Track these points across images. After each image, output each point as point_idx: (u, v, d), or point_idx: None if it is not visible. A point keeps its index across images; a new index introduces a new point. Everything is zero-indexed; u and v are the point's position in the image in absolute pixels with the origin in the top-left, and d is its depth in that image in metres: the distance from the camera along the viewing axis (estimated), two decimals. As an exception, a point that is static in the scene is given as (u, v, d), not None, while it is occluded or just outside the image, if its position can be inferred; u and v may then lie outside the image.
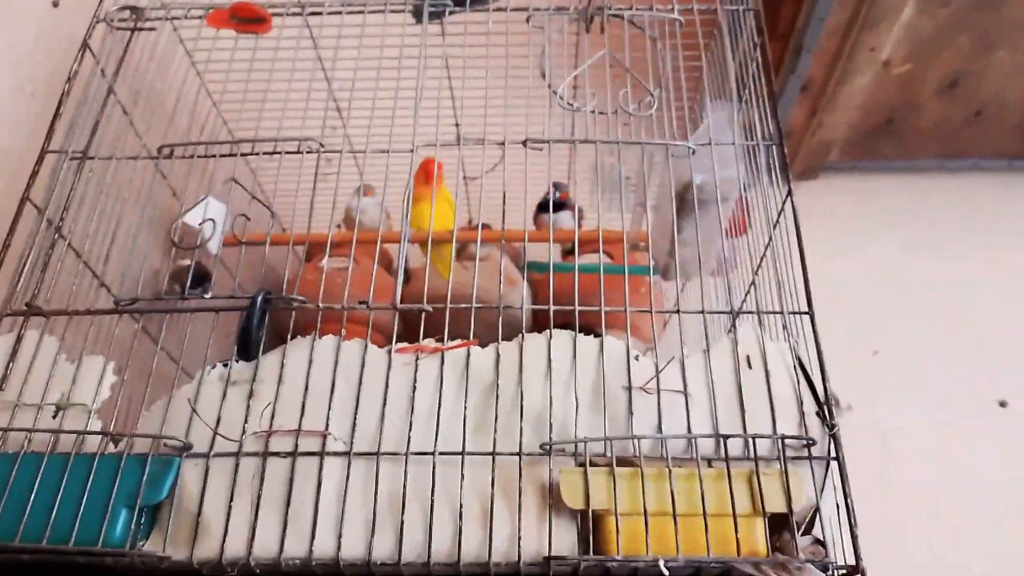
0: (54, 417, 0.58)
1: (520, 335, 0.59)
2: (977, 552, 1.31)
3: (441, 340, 0.59)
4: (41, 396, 0.59)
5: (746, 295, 0.80)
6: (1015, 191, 1.74)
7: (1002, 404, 1.48)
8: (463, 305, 0.60)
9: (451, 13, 0.75)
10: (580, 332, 0.60)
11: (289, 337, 0.61)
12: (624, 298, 0.61)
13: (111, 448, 0.57)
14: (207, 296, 0.60)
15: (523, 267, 1.24)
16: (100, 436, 0.56)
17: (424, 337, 0.60)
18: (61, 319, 0.63)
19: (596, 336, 0.61)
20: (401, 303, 0.61)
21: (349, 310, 0.60)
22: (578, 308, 0.62)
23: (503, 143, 0.68)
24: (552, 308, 0.62)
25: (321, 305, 0.60)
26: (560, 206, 1.17)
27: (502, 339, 0.60)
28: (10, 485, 0.54)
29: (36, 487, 0.54)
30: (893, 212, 1.72)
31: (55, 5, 0.85)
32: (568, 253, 1.30)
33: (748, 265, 0.80)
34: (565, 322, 0.62)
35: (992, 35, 1.36)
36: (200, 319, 0.65)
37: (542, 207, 1.21)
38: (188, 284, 0.74)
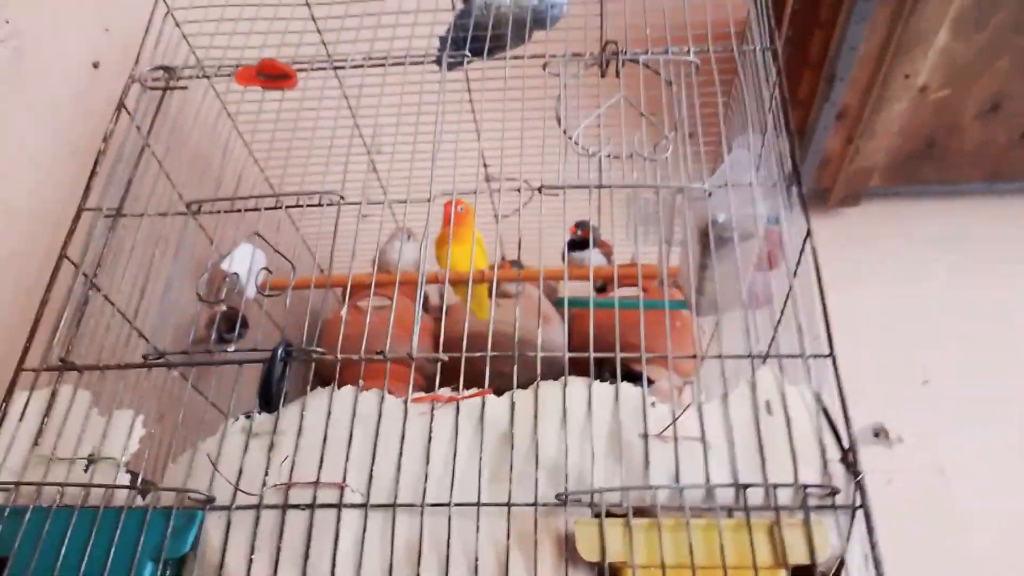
0: (85, 471, 0.60)
1: (535, 384, 0.59)
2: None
3: (456, 389, 0.60)
4: (73, 450, 0.61)
5: (772, 338, 0.78)
6: (1066, 212, 1.68)
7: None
8: (478, 354, 0.61)
9: (469, 63, 0.76)
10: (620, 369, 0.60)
11: (309, 388, 0.62)
12: (665, 333, 0.60)
13: (139, 501, 0.58)
14: (231, 350, 0.61)
15: (557, 303, 1.24)
16: (127, 490, 0.58)
17: (464, 380, 0.60)
18: (95, 373, 0.65)
19: (636, 373, 0.60)
20: (439, 341, 0.61)
21: (367, 361, 0.61)
22: (619, 355, 0.61)
23: (519, 190, 0.68)
24: (567, 356, 0.61)
25: (340, 356, 0.61)
26: (584, 244, 1.17)
27: (521, 385, 0.60)
28: (43, 538, 0.56)
29: (67, 540, 0.55)
30: (938, 237, 1.67)
31: (95, 67, 0.90)
32: (599, 290, 1.30)
33: (777, 303, 0.78)
34: (602, 359, 0.61)
35: (1033, 56, 1.33)
36: (235, 369, 0.67)
37: (571, 247, 1.22)
38: (224, 331, 0.76)
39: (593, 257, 1.17)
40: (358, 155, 0.76)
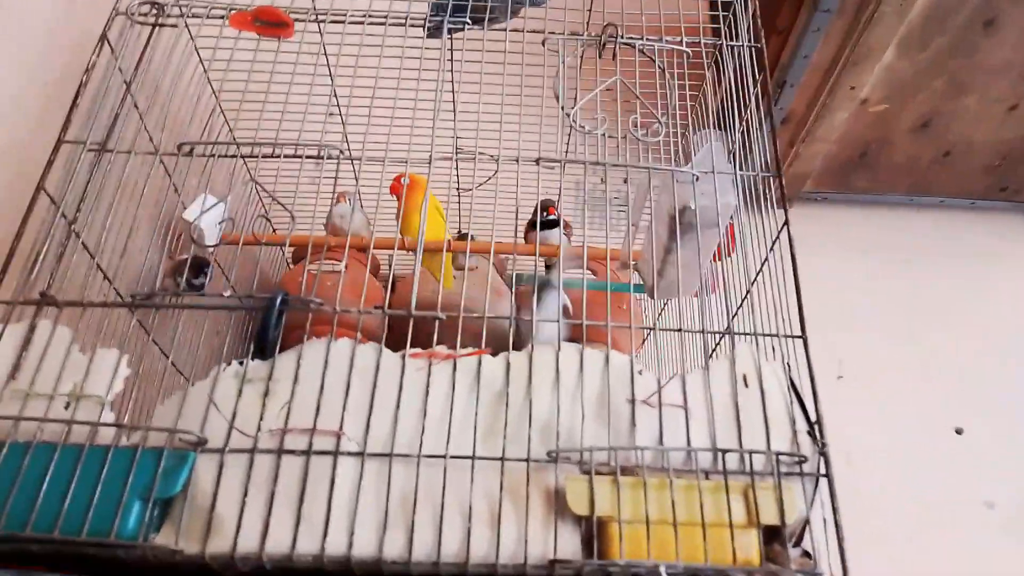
0: (66, 408, 0.59)
1: (528, 346, 0.62)
2: (937, 565, 1.37)
3: (453, 347, 0.61)
4: (53, 387, 0.59)
5: (732, 317, 0.83)
6: (977, 229, 1.82)
7: (958, 431, 1.55)
8: (475, 315, 0.63)
9: (468, 30, 0.77)
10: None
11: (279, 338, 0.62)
12: (606, 313, 0.63)
13: (124, 441, 0.57)
14: (226, 295, 0.61)
15: (510, 280, 1.27)
16: (114, 428, 0.57)
17: (411, 344, 0.62)
18: (73, 311, 0.64)
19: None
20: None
21: (365, 314, 0.62)
22: (561, 322, 0.64)
23: (517, 160, 0.70)
24: (535, 320, 0.64)
25: (339, 308, 0.62)
26: (550, 224, 1.20)
27: (490, 350, 0.63)
28: (22, 474, 0.54)
29: (48, 477, 0.54)
30: (860, 242, 1.79)
31: (69, -3, 0.86)
32: (551, 268, 1.33)
33: (735, 288, 0.83)
34: (549, 335, 0.64)
35: (964, 80, 1.43)
36: (199, 318, 0.66)
37: (532, 224, 1.24)
38: (192, 276, 0.74)
39: (554, 237, 1.20)
40: (337, 117, 0.75)
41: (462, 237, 1.29)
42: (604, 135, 0.71)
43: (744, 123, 0.82)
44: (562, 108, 0.71)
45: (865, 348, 1.64)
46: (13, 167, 0.80)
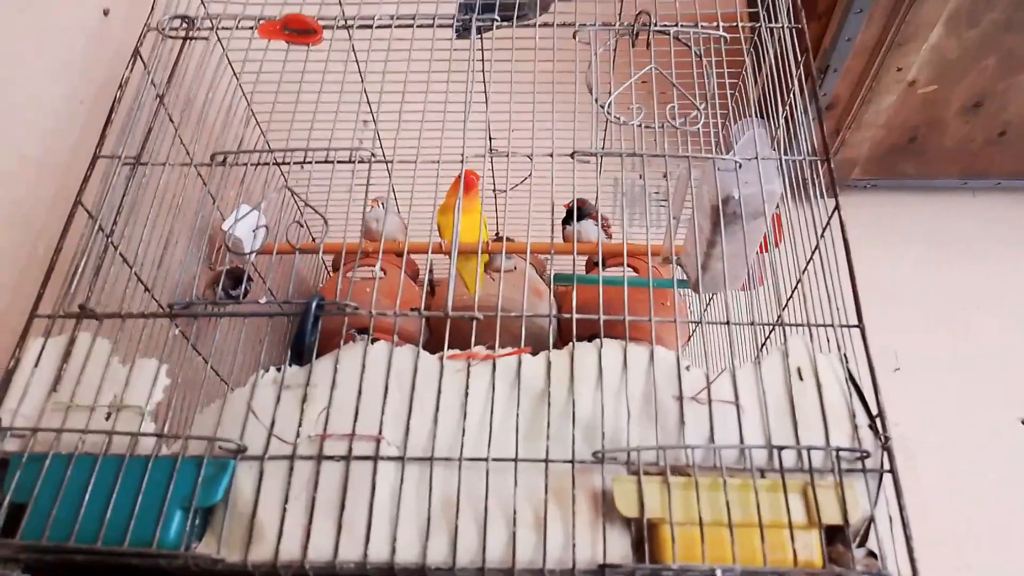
0: (107, 419, 0.59)
1: (569, 344, 0.60)
2: (1007, 563, 1.31)
3: (492, 348, 0.60)
4: (94, 398, 0.59)
5: (783, 308, 0.80)
6: (1037, 211, 1.74)
7: (1023, 422, 1.48)
8: (514, 314, 0.61)
9: (498, 27, 0.76)
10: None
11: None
12: (649, 310, 0.61)
13: (165, 450, 0.57)
14: (262, 302, 0.60)
15: (550, 279, 1.25)
16: (154, 438, 0.57)
17: (451, 347, 0.61)
18: (112, 323, 0.64)
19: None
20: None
21: (401, 317, 0.61)
22: (602, 318, 0.62)
23: (551, 155, 0.69)
24: (575, 317, 0.62)
25: (374, 312, 0.61)
26: (582, 214, 1.18)
27: (529, 349, 0.61)
28: (64, 486, 0.54)
29: (90, 488, 0.54)
30: (913, 230, 1.72)
31: (105, 14, 0.87)
32: (594, 265, 1.31)
33: (785, 279, 0.80)
34: (591, 333, 0.62)
35: (1019, 56, 1.37)
36: (245, 327, 0.66)
37: (566, 220, 1.22)
38: (230, 286, 0.74)
39: (594, 232, 1.17)
40: (370, 120, 0.75)
41: (499, 239, 1.28)
42: (640, 126, 0.69)
43: (787, 108, 0.79)
44: (596, 100, 0.69)
45: (923, 339, 1.58)
46: (55, 182, 0.81)
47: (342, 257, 0.69)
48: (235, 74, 0.90)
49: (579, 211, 1.19)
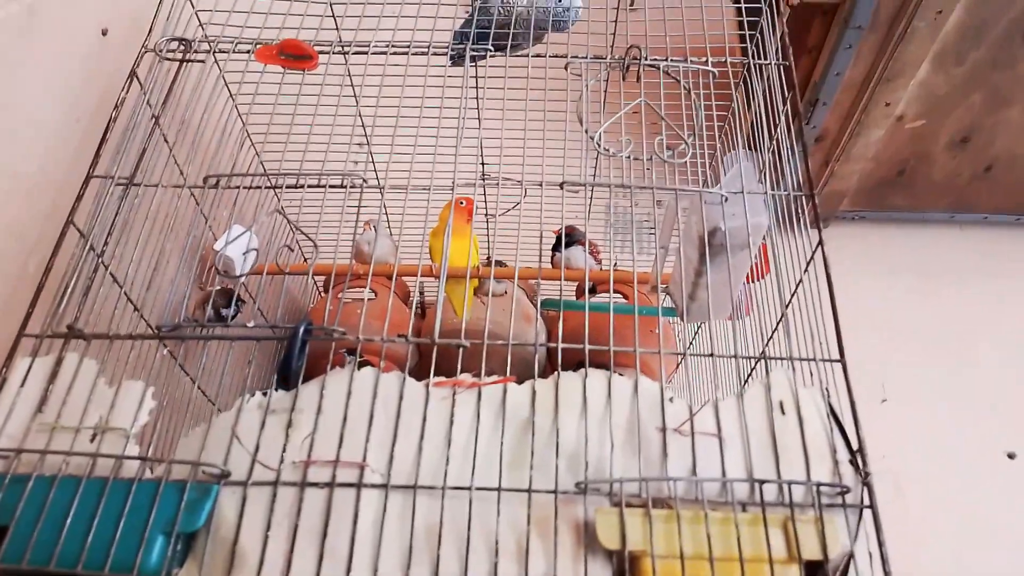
0: (92, 441, 0.59)
1: (554, 373, 0.60)
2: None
3: (478, 375, 0.60)
4: (79, 419, 0.59)
5: (767, 341, 0.81)
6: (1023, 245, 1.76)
7: (1010, 456, 1.49)
8: (500, 342, 0.61)
9: (491, 56, 0.77)
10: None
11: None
12: (635, 338, 0.62)
13: (148, 474, 0.57)
14: (249, 325, 0.61)
15: (544, 305, 1.26)
16: (138, 461, 0.57)
17: (435, 372, 0.61)
18: (100, 344, 0.64)
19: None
20: (416, 336, 0.62)
21: (388, 343, 0.61)
22: (588, 347, 0.62)
23: (540, 184, 0.69)
24: (561, 346, 0.63)
25: (361, 337, 0.61)
26: (571, 241, 1.19)
27: (516, 377, 0.61)
28: (47, 508, 0.54)
29: (73, 511, 0.54)
30: (901, 261, 1.74)
31: (104, 34, 0.88)
32: (582, 292, 1.32)
33: (767, 312, 0.81)
34: (579, 360, 0.63)
35: (1004, 93, 1.39)
36: (234, 350, 0.66)
37: (556, 247, 1.23)
38: (222, 305, 0.74)
39: (582, 258, 1.18)
40: (358, 144, 0.75)
41: (490, 264, 1.29)
42: (630, 158, 0.70)
43: (775, 142, 0.80)
44: (586, 131, 0.70)
45: (910, 371, 1.59)
46: (49, 201, 0.81)
47: (330, 279, 0.69)
48: (231, 96, 0.91)
49: (568, 238, 1.20)
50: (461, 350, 0.60)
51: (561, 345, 0.62)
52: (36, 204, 0.79)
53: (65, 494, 0.55)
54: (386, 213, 1.18)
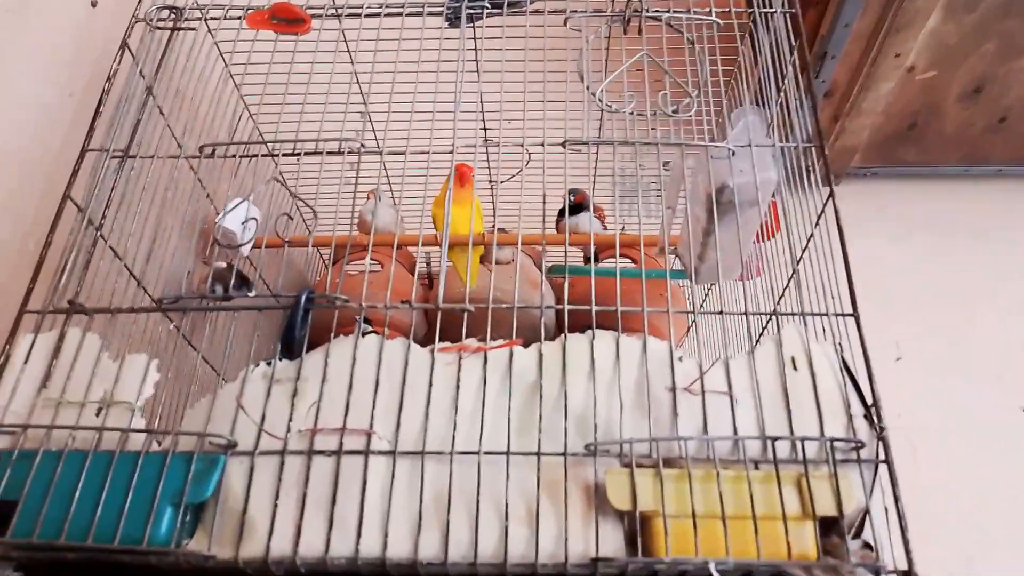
0: (97, 415, 0.58)
1: (561, 335, 0.59)
2: (1013, 553, 1.30)
3: (483, 340, 0.59)
4: (84, 394, 0.59)
5: (780, 298, 0.80)
6: (1039, 198, 1.73)
7: (1025, 411, 1.48)
8: (504, 305, 0.60)
9: (489, 16, 0.75)
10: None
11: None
12: (642, 301, 0.60)
13: (155, 446, 0.57)
14: (251, 295, 0.60)
15: (552, 271, 1.24)
16: (144, 434, 0.56)
17: (447, 339, 0.60)
18: (102, 318, 0.63)
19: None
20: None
21: (392, 309, 0.60)
22: (595, 308, 0.61)
23: (542, 144, 0.68)
24: (567, 308, 0.62)
25: (364, 304, 0.60)
26: (578, 208, 1.17)
27: (524, 342, 0.60)
28: (55, 483, 0.54)
29: (80, 485, 0.54)
30: (914, 217, 1.71)
31: (93, 6, 0.86)
32: (587, 260, 1.30)
33: (780, 269, 0.80)
34: (586, 324, 0.62)
35: (1018, 40, 1.36)
36: (238, 321, 0.66)
37: (562, 212, 1.22)
38: (231, 286, 0.74)
39: (585, 222, 1.17)
40: (363, 111, 0.74)
41: (496, 230, 1.27)
42: (632, 114, 0.68)
43: (783, 94, 0.78)
44: (587, 88, 0.69)
45: (924, 328, 1.57)
46: (44, 177, 0.80)
47: (332, 250, 0.68)
48: (226, 65, 0.89)
49: (578, 205, 1.18)
50: (466, 317, 0.59)
51: (568, 307, 0.61)
52: (32, 181, 0.78)
53: (72, 468, 0.55)
54: (388, 179, 1.16)
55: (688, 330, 1.28)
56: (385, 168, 0.72)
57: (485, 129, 0.91)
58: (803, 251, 0.71)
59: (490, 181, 1.20)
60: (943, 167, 1.67)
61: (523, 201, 0.68)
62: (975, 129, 1.55)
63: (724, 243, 0.80)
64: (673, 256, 1.10)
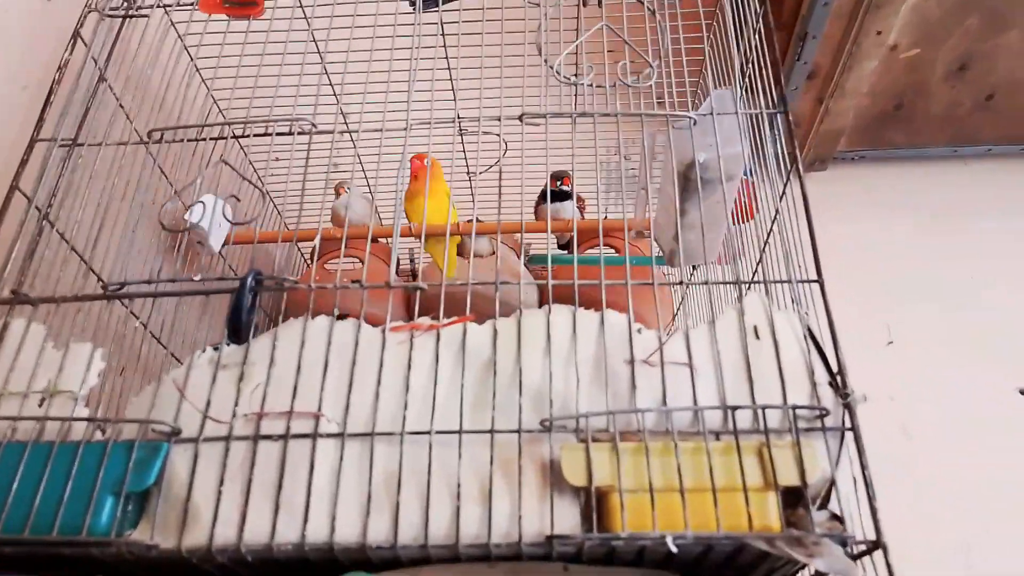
0: (40, 405, 0.57)
1: (517, 312, 0.57)
2: (1011, 539, 1.27)
3: (436, 318, 0.57)
4: (27, 384, 0.57)
5: (755, 271, 0.78)
6: (1030, 176, 1.70)
7: (1022, 392, 1.45)
8: (459, 283, 0.59)
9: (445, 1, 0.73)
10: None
11: (281, 319, 0.59)
12: (626, 287, 0.58)
13: (99, 436, 0.55)
14: (197, 279, 0.58)
15: (526, 261, 1.22)
16: (86, 423, 0.54)
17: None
18: (48, 307, 0.62)
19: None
20: (411, 302, 0.59)
21: (342, 290, 0.59)
22: (577, 283, 0.59)
23: (499, 119, 0.66)
24: (551, 283, 0.60)
25: (313, 285, 0.58)
26: (563, 195, 1.15)
27: (473, 316, 0.58)
28: (-6, 475, 0.52)
29: (19, 477, 0.52)
30: (904, 201, 1.69)
31: (47, -1, 0.85)
32: (565, 246, 1.28)
33: (757, 245, 0.78)
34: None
35: (1003, 14, 1.33)
36: (191, 304, 0.64)
37: (543, 196, 1.19)
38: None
39: (567, 210, 1.15)
40: (324, 89, 0.72)
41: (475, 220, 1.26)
42: (591, 85, 0.66)
43: (750, 64, 0.76)
44: (545, 61, 0.67)
45: (916, 312, 1.55)
46: (-1, 171, 0.79)
47: (315, 245, 0.67)
48: (186, 48, 0.88)
49: (561, 193, 1.16)
50: (417, 295, 0.58)
51: (551, 283, 0.58)
52: (-14, 174, 0.77)
53: (11, 460, 0.53)
54: (361, 163, 1.13)
55: (674, 317, 1.26)
56: (341, 149, 0.70)
57: (459, 118, 0.90)
58: (772, 222, 0.69)
59: (467, 168, 1.18)
60: (932, 148, 1.65)
61: (502, 185, 0.67)
62: (963, 108, 1.53)
63: (697, 222, 0.78)
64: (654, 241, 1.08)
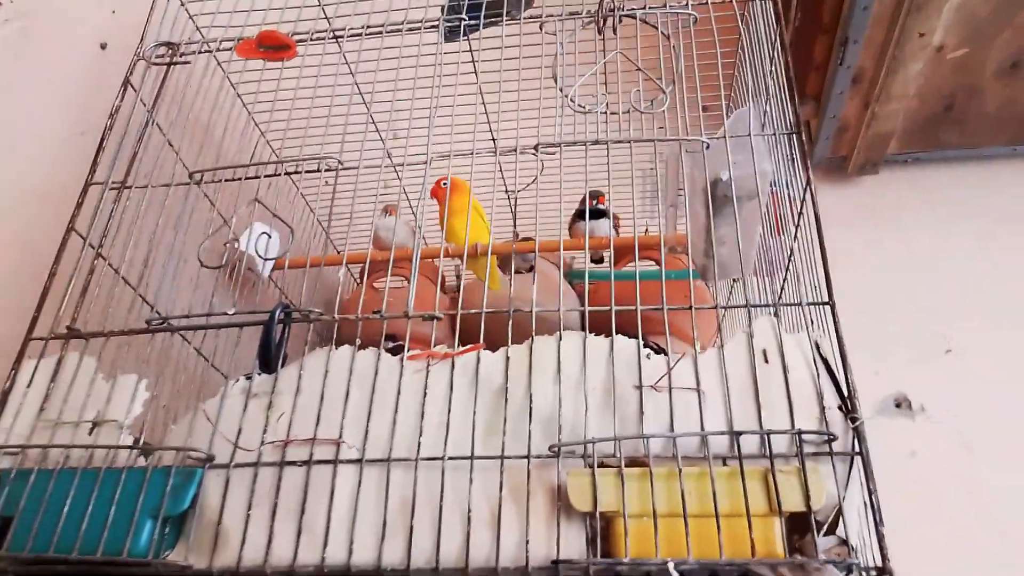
0: (90, 434, 0.61)
1: (530, 339, 0.59)
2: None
3: (452, 347, 0.60)
4: (78, 415, 0.62)
5: (780, 291, 0.77)
6: (1095, 174, 1.62)
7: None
8: (473, 311, 0.61)
9: (472, 29, 0.76)
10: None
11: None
12: (663, 302, 0.59)
13: (142, 461, 0.59)
14: (230, 313, 0.62)
15: (572, 276, 1.24)
16: (129, 450, 0.59)
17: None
18: (107, 341, 0.66)
19: (646, 345, 0.59)
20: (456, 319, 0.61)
21: (364, 320, 0.61)
22: (614, 309, 0.60)
23: (516, 150, 0.68)
24: (588, 310, 0.61)
25: (337, 317, 0.61)
26: (599, 213, 1.16)
27: (483, 345, 0.60)
28: (46, 499, 0.57)
29: (69, 501, 0.56)
30: (961, 204, 1.63)
31: (103, 48, 0.91)
32: (597, 261, 1.29)
33: (781, 263, 0.78)
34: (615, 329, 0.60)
35: (1054, 10, 1.28)
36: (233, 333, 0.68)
37: (580, 215, 1.20)
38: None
39: (603, 227, 1.16)
40: (357, 123, 0.76)
41: (524, 239, 1.28)
42: (606, 112, 0.67)
43: (776, 84, 0.76)
44: (560, 91, 0.68)
45: (976, 319, 1.49)
46: (56, 213, 0.85)
47: (364, 267, 0.70)
48: (238, 95, 0.93)
49: (597, 211, 1.17)
50: (483, 325, 0.60)
51: (562, 310, 0.60)
52: (44, 215, 0.83)
53: (63, 485, 0.57)
54: (406, 195, 1.17)
55: (716, 334, 1.25)
56: (402, 184, 0.73)
57: (494, 140, 0.92)
58: (793, 238, 0.69)
59: (506, 191, 1.20)
60: (989, 148, 1.59)
61: (539, 203, 0.69)
62: (1019, 105, 1.47)
63: (726, 238, 0.79)
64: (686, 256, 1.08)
